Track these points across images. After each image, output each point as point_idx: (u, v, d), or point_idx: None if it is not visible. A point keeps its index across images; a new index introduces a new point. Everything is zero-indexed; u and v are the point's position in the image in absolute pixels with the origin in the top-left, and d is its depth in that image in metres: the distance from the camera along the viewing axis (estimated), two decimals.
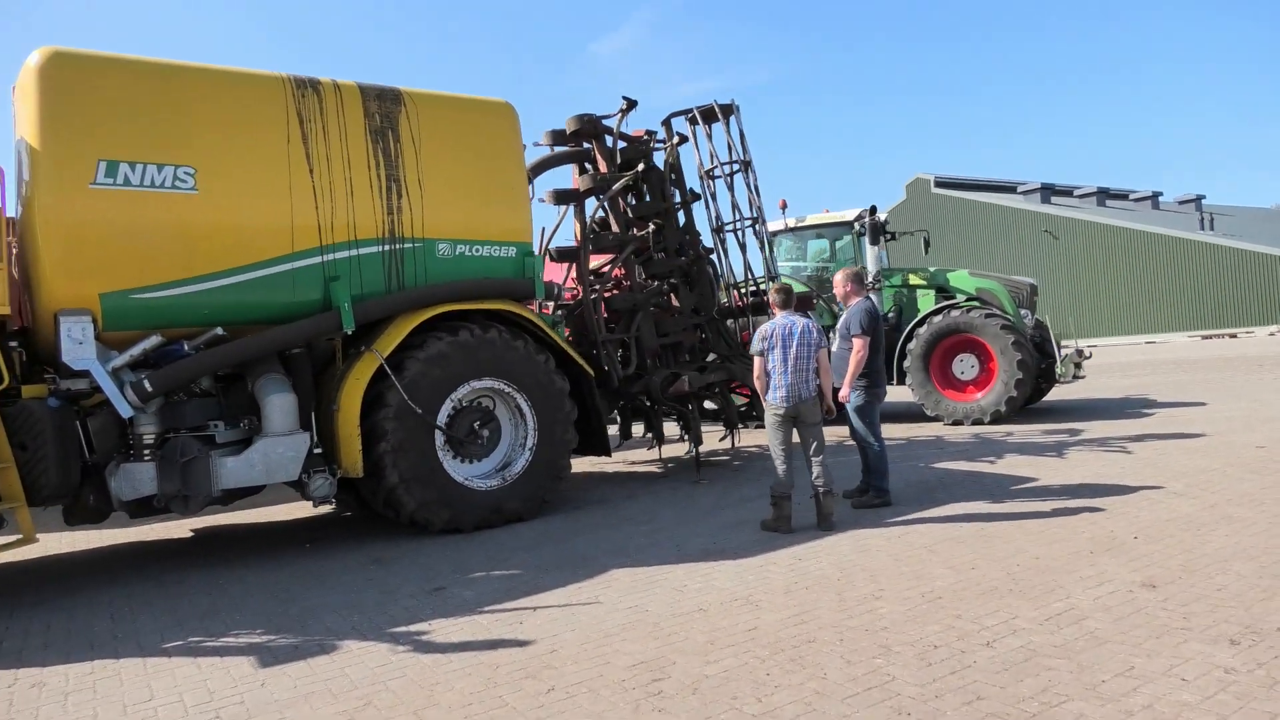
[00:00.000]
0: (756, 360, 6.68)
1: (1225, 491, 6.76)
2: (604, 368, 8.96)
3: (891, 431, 12.07)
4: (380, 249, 7.21)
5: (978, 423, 12.15)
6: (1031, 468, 8.42)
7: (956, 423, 12.32)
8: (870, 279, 13.23)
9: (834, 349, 7.36)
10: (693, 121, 10.38)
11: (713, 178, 10.44)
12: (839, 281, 7.50)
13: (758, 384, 6.75)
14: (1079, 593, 4.62)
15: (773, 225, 14.43)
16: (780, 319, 6.68)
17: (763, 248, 10.64)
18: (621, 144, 9.86)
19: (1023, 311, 12.83)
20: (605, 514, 7.73)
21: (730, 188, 10.39)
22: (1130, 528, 5.86)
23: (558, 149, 9.85)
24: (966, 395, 12.41)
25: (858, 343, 7.09)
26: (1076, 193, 51.43)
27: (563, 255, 9.64)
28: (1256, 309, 39.11)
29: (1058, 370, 11.99)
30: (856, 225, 13.28)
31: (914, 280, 13.58)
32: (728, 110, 10.20)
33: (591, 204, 9.70)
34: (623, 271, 9.66)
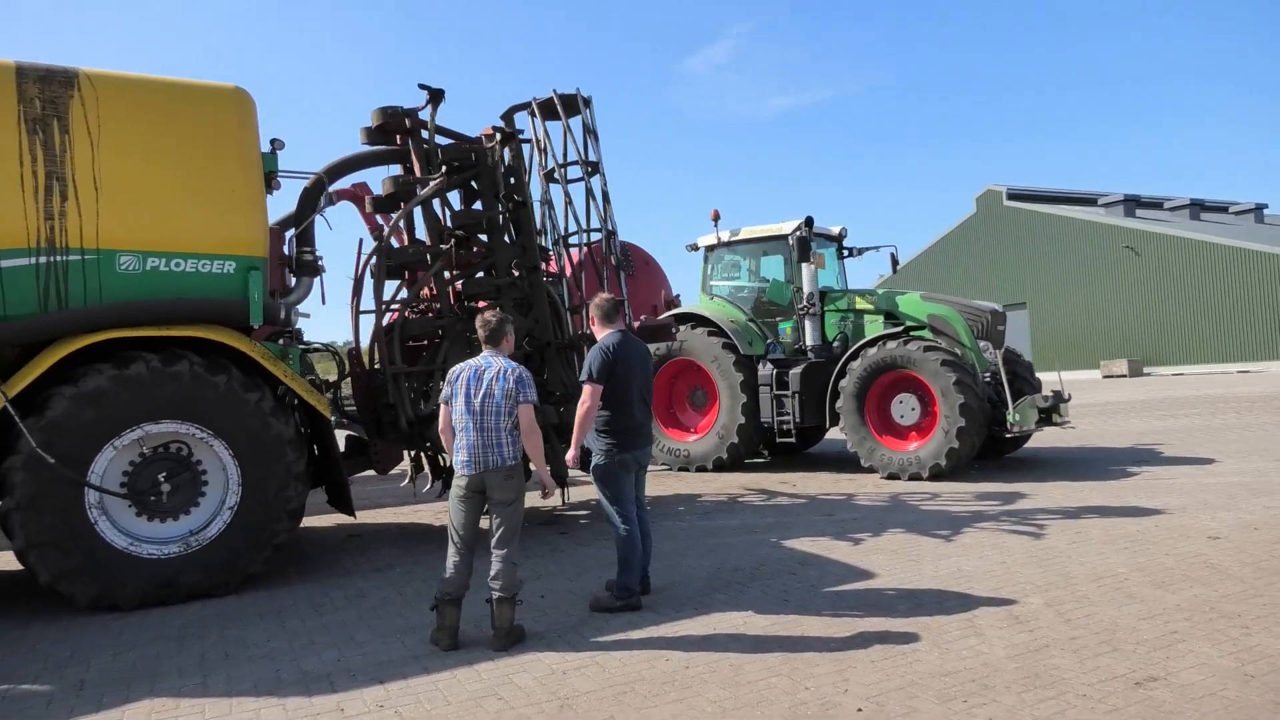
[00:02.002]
0: (442, 410, 5.05)
1: (1082, 620, 4.76)
2: (392, 404, 7.49)
3: (814, 482, 10.16)
4: (32, 261, 5.90)
5: (915, 477, 10.11)
6: (890, 557, 6.49)
7: (893, 476, 10.31)
8: (803, 302, 11.34)
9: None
10: (532, 115, 8.79)
11: (554, 181, 8.83)
12: (591, 313, 5.79)
13: (444, 441, 5.13)
14: None
15: (705, 240, 12.72)
16: (476, 359, 5.05)
17: (616, 266, 8.93)
18: (446, 141, 8.37)
19: (983, 344, 10.70)
20: (269, 599, 6.19)
21: (589, 194, 8.76)
22: (879, 683, 3.99)
23: (366, 148, 8.40)
24: (907, 443, 10.38)
25: (585, 391, 5.39)
26: (1167, 205, 47.15)
27: (390, 271, 8.20)
28: None
29: (1009, 418, 9.81)
30: (790, 239, 11.39)
31: (860, 304, 11.60)
32: (571, 103, 8.58)
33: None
34: (433, 291, 8.15)
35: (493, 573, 4.80)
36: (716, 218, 12.49)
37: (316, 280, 8.02)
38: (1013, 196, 46.88)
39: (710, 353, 11.82)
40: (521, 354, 8.32)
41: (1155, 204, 47.17)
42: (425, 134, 8.15)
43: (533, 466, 5.21)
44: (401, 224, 8.34)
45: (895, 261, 12.87)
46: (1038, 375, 11.74)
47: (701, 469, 12.04)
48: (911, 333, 10.91)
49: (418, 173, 8.15)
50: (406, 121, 8.17)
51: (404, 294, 8.30)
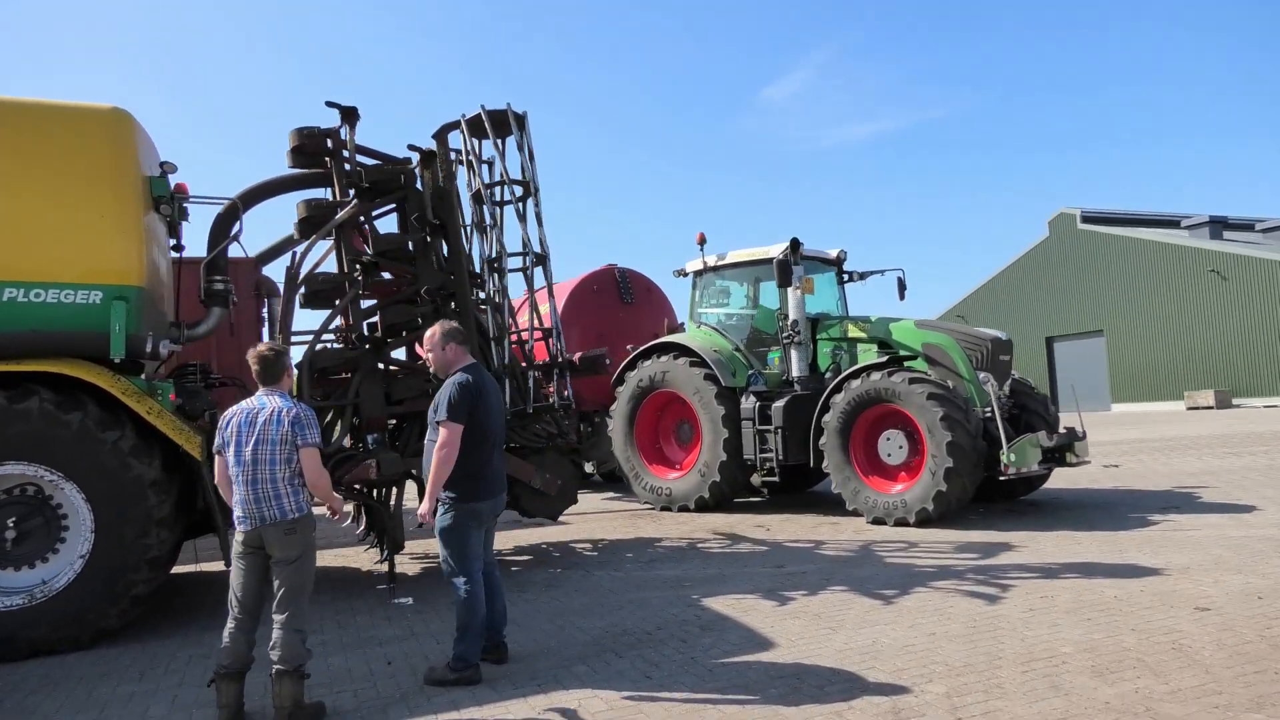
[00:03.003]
0: (217, 461, 4.46)
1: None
2: None
3: (792, 527, 9.26)
4: None
5: (901, 523, 9.11)
6: (807, 623, 5.62)
7: (878, 520, 9.33)
8: (787, 331, 10.49)
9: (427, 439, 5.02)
10: (463, 133, 8.26)
11: (481, 203, 8.26)
12: (430, 342, 5.14)
13: (222, 493, 4.54)
14: None
15: (692, 265, 12.01)
16: (250, 400, 4.46)
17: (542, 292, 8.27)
18: (374, 162, 7.93)
19: (982, 375, 9.65)
20: (103, 659, 5.66)
21: (521, 218, 8.17)
22: None
23: (288, 171, 8.01)
24: (895, 484, 9.40)
25: (443, 432, 4.74)
26: (1258, 226, 44.09)
27: (311, 300, 7.78)
28: None
29: (1003, 459, 8.72)
30: (778, 265, 10.52)
31: (854, 332, 10.68)
32: (501, 120, 8.02)
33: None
34: (348, 322, 7.66)
35: (272, 642, 4.17)
36: (702, 241, 11.77)
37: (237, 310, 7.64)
38: (1088, 219, 44.59)
39: (692, 384, 11.06)
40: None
41: (1245, 225, 44.19)
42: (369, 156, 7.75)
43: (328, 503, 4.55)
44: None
45: (902, 286, 11.92)
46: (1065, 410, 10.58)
47: (684, 509, 11.23)
48: (906, 363, 9.96)
49: (338, 196, 7.72)
50: (328, 142, 7.75)
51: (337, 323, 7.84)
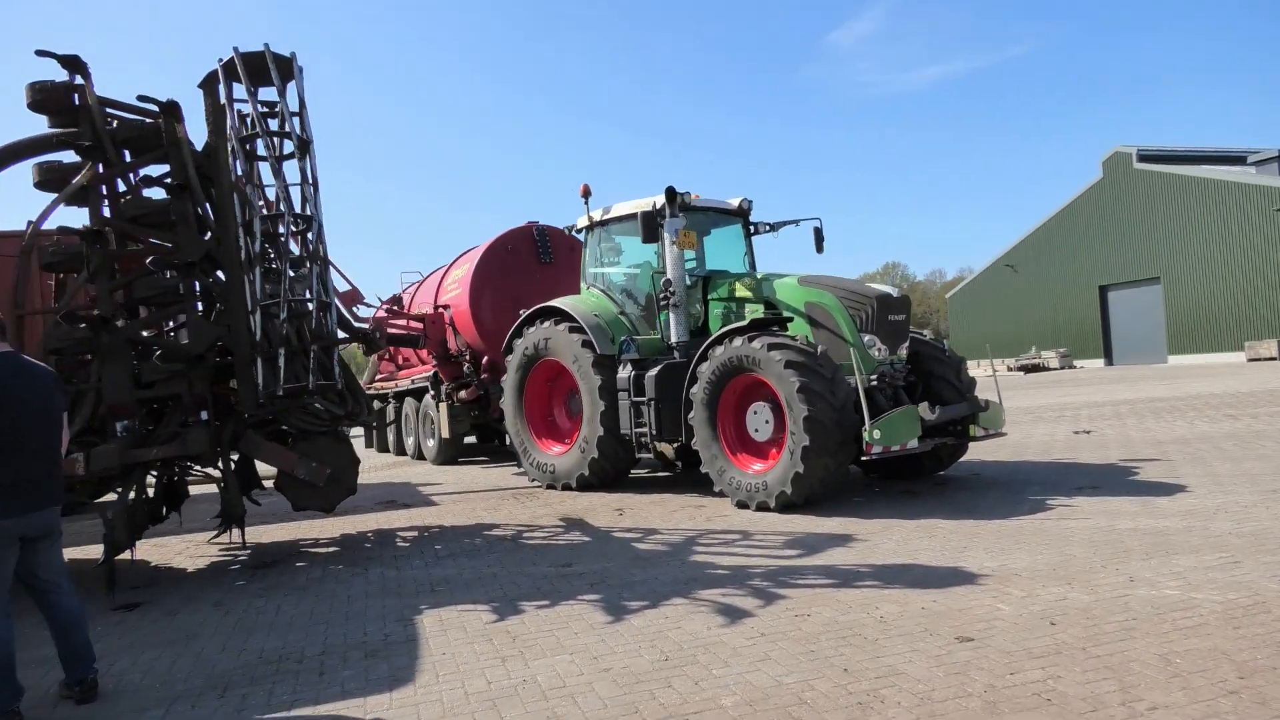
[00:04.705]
0: None
1: None
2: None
3: (655, 511, 8.30)
4: None
5: (763, 507, 8.05)
6: (489, 648, 4.70)
7: (742, 505, 8.29)
8: (661, 291, 9.38)
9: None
10: (216, 82, 7.25)
11: (253, 159, 7.33)
12: None
13: None
14: None
15: (582, 221, 10.96)
16: None
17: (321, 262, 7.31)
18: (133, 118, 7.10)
19: (867, 339, 8.43)
20: None
21: (276, 173, 7.19)
22: None
23: (44, 132, 7.20)
24: (765, 463, 8.32)
25: None
26: None
27: (52, 265, 7.09)
28: None
29: (865, 436, 7.51)
30: (642, 217, 9.31)
31: (741, 291, 9.51)
32: (259, 66, 7.02)
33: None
34: (91, 296, 6.92)
35: None
36: (586, 193, 10.66)
37: None
38: (1144, 158, 41.41)
39: (571, 352, 10.08)
40: (211, 367, 7.00)
41: None
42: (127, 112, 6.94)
43: None
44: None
45: (820, 237, 10.62)
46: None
47: (567, 487, 10.34)
48: (790, 325, 8.79)
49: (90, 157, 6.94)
50: (75, 97, 6.95)
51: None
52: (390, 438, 17.99)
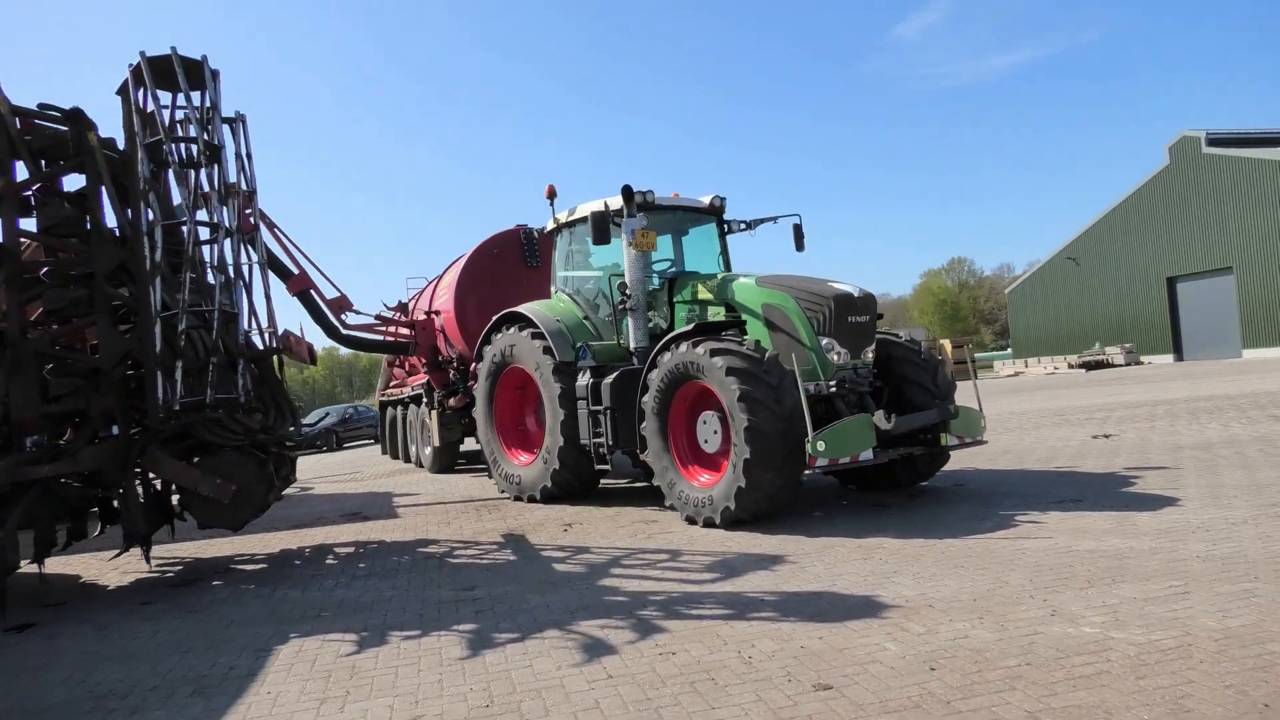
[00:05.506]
0: None
1: None
2: None
3: (604, 527, 7.93)
4: None
5: (709, 524, 7.55)
6: (326, 686, 4.34)
7: (691, 520, 7.80)
8: (621, 295, 8.94)
9: None
10: (128, 88, 7.07)
11: (161, 165, 7.12)
12: None
13: None
14: None
15: (550, 223, 10.59)
16: None
17: (263, 273, 7.10)
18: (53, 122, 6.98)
19: (825, 341, 7.84)
20: None
21: (182, 182, 6.96)
22: None
23: None
24: (713, 475, 7.80)
25: None
26: None
27: None
28: None
29: (809, 448, 6.91)
30: (591, 218, 8.81)
31: (703, 294, 8.99)
32: (165, 70, 6.80)
33: None
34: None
35: None
36: (552, 194, 10.25)
37: None
38: (1214, 142, 39.09)
39: (534, 358, 9.71)
40: (119, 379, 6.83)
41: None
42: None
43: None
44: None
45: (799, 235, 10.03)
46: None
47: (532, 499, 9.97)
48: (749, 329, 8.26)
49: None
50: None
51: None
52: (400, 445, 17.89)
